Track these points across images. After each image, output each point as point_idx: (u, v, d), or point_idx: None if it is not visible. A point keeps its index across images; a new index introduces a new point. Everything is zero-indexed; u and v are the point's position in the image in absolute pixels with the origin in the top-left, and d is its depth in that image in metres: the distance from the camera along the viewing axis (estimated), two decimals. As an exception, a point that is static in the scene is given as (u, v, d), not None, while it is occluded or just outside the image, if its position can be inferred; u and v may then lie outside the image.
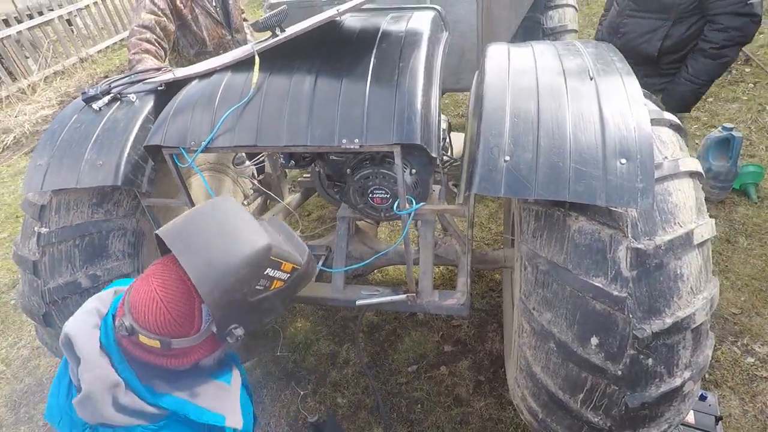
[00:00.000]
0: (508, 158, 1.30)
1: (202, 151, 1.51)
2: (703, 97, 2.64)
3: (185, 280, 1.00)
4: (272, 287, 1.05)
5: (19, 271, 1.92)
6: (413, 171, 1.57)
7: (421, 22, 1.66)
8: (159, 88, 1.92)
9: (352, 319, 2.91)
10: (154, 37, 2.74)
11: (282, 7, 1.66)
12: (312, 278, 1.23)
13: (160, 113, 1.83)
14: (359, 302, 1.75)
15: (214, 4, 3.03)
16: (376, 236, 2.36)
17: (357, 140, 1.38)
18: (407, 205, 1.48)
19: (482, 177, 1.30)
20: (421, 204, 1.51)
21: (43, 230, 1.82)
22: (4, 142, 6.07)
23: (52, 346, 1.99)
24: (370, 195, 1.60)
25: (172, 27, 2.84)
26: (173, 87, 1.93)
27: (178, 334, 1.01)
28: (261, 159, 2.44)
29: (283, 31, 1.66)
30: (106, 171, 1.69)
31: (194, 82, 1.73)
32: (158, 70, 2.13)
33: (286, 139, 1.44)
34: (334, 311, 2.98)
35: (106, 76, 7.91)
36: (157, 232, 1.06)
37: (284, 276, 1.07)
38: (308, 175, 2.69)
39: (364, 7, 1.68)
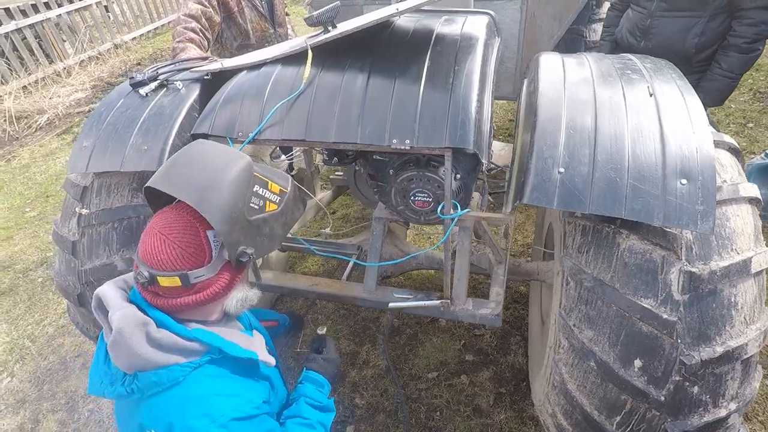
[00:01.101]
0: (562, 170, 1.27)
1: (248, 143, 1.51)
2: (743, 122, 2.62)
3: (183, 215, 1.08)
4: (267, 209, 1.16)
5: (57, 250, 1.95)
6: (458, 176, 1.56)
7: (476, 26, 1.65)
8: (206, 77, 1.93)
9: (373, 321, 2.90)
10: (199, 27, 2.77)
11: (335, 3, 1.65)
12: (302, 211, 1.31)
13: (208, 102, 1.85)
14: (392, 305, 1.74)
15: None
16: (405, 239, 2.35)
17: (408, 141, 1.37)
18: (452, 210, 1.47)
19: (534, 187, 1.28)
20: (466, 210, 1.49)
21: (84, 211, 1.84)
22: (38, 123, 6.20)
23: (84, 326, 2.01)
24: (412, 197, 1.59)
25: (217, 18, 2.87)
26: (220, 77, 1.95)
27: (193, 265, 1.07)
28: (296, 154, 2.45)
29: (334, 26, 1.66)
30: (150, 156, 1.70)
31: (243, 73, 1.73)
32: (204, 59, 2.14)
33: (335, 136, 1.43)
34: (356, 311, 2.97)
35: (139, 64, 8.04)
36: (147, 185, 1.13)
37: (275, 198, 1.18)
38: (341, 173, 2.69)
39: (417, 8, 1.66)
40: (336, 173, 2.66)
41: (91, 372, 1.19)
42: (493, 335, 2.74)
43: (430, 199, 1.57)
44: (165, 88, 1.92)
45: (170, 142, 1.72)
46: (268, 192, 1.17)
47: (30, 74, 7.01)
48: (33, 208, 4.50)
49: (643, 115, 1.33)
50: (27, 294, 3.42)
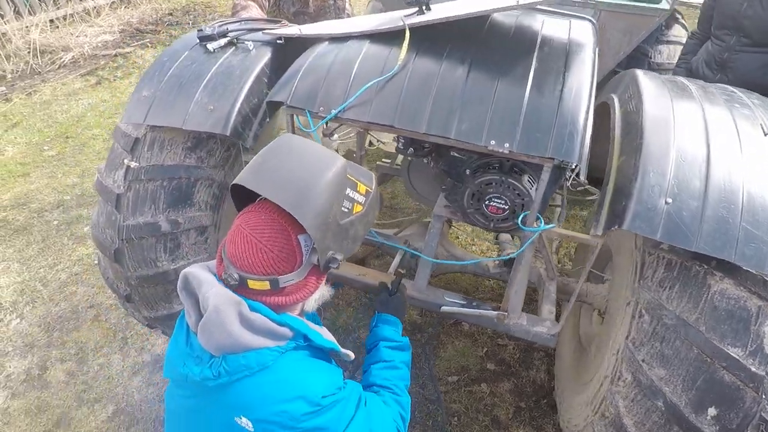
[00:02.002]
0: (669, 201, 1.19)
1: (329, 120, 1.43)
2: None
3: (275, 218, 1.04)
4: (354, 211, 1.12)
5: (99, 200, 1.86)
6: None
7: (584, 33, 1.56)
8: (278, 41, 1.83)
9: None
10: None
11: None
12: (378, 209, 1.28)
13: (279, 68, 1.75)
14: (444, 308, 1.67)
15: None
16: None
17: (507, 145, 1.30)
18: (536, 223, 1.39)
19: (637, 215, 1.20)
20: (551, 225, 1.42)
21: (133, 164, 1.76)
22: (62, 60, 6.04)
23: (115, 283, 1.94)
24: (487, 202, 1.51)
25: None
26: (293, 43, 1.85)
27: (284, 271, 1.04)
28: (351, 135, 2.36)
29: (428, 8, 1.57)
30: (216, 118, 1.61)
31: (325, 44, 1.64)
32: (274, 22, 2.04)
33: (428, 127, 1.35)
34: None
35: (170, 14, 7.84)
36: (235, 181, 1.09)
37: (361, 199, 1.13)
38: (387, 161, 2.60)
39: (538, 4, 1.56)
40: (382, 160, 2.57)
41: (170, 353, 1.14)
42: (516, 347, 2.68)
43: (506, 207, 1.49)
44: (234, 47, 1.83)
45: (238, 105, 1.64)
46: (356, 193, 1.13)
47: (59, 8, 6.81)
48: (52, 147, 4.39)
49: (758, 155, 1.25)
50: (41, 235, 3.34)
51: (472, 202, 1.55)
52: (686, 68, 2.82)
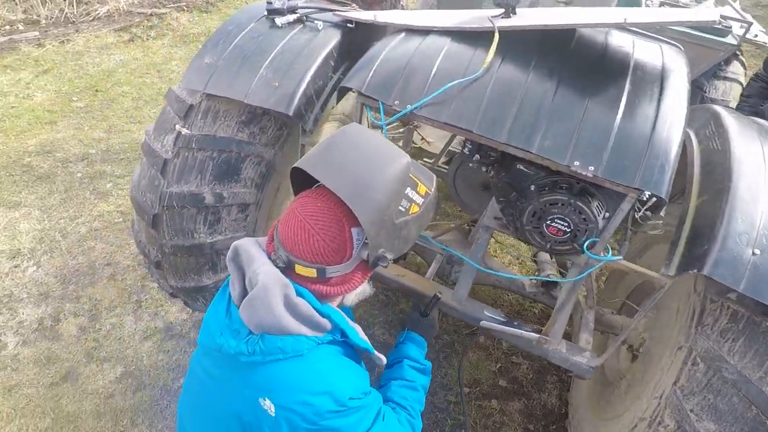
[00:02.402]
0: (758, 252, 1.14)
1: (403, 116, 1.37)
2: None
3: (332, 207, 1.02)
4: (411, 211, 1.08)
5: (143, 162, 1.81)
6: (607, 214, 1.42)
7: (677, 60, 1.50)
8: (348, 25, 1.77)
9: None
10: None
11: None
12: (433, 213, 1.23)
13: (347, 53, 1.70)
14: (484, 324, 1.62)
15: None
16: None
17: (592, 168, 1.24)
18: (603, 252, 1.34)
19: (719, 262, 1.15)
20: (619, 257, 1.36)
21: (185, 131, 1.70)
22: (97, 12, 5.97)
23: (146, 247, 1.89)
24: (548, 221, 1.45)
25: None
26: (362, 29, 1.79)
27: (332, 261, 1.03)
28: (400, 131, 2.30)
29: (514, 12, 1.51)
30: (280, 96, 1.56)
31: (402, 36, 1.58)
32: (343, 3, 1.98)
33: (508, 137, 1.29)
34: (396, 300, 2.87)
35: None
36: (297, 165, 1.07)
37: (420, 200, 1.09)
38: (430, 161, 2.54)
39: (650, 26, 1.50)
40: (424, 160, 2.51)
41: (208, 320, 1.12)
42: (530, 367, 2.64)
43: (568, 230, 1.43)
44: (302, 25, 1.77)
45: (303, 86, 1.58)
46: (415, 194, 1.10)
47: (101, -42, 6.73)
48: (80, 98, 4.34)
49: None
50: (64, 186, 3.30)
51: (531, 220, 1.49)
52: (751, 111, 2.74)
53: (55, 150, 3.63)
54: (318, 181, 1.07)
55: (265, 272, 1.01)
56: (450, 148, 2.42)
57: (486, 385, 2.51)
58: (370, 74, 1.44)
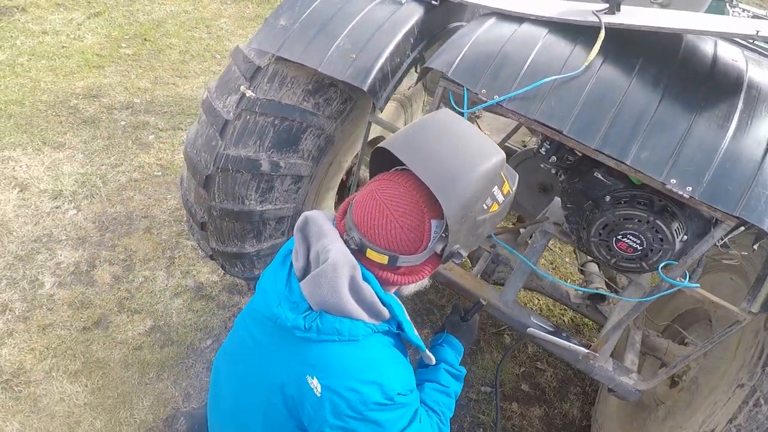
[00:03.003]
0: None
1: (488, 106, 1.30)
2: None
3: (414, 195, 0.98)
4: (491, 209, 1.04)
5: (201, 120, 1.78)
6: (685, 237, 1.35)
7: None
8: (433, 1, 1.69)
9: (440, 308, 2.76)
10: None
11: None
12: (507, 213, 1.19)
13: (429, 30, 1.63)
14: (531, 331, 1.58)
15: None
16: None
17: (690, 189, 1.15)
18: (680, 278, 1.27)
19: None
20: (696, 285, 1.29)
21: (250, 94, 1.66)
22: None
23: (194, 207, 1.87)
24: (620, 236, 1.38)
25: None
26: (445, 7, 1.71)
27: (407, 251, 0.99)
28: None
29: (619, 9, 1.41)
30: (357, 69, 1.50)
31: (493, 20, 1.49)
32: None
33: (601, 144, 1.21)
34: (424, 290, 2.83)
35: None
36: (382, 145, 1.03)
37: (501, 199, 1.05)
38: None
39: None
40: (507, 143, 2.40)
41: (265, 286, 1.10)
42: (554, 375, 2.60)
43: (641, 248, 1.37)
44: None
45: (381, 61, 1.52)
46: (500, 192, 1.05)
47: None
48: (129, 45, 4.32)
49: None
50: (107, 132, 3.31)
51: (601, 232, 1.42)
52: None
53: (101, 95, 3.64)
54: (398, 166, 1.03)
55: (336, 249, 0.98)
56: (507, 144, 2.34)
57: (508, 387, 2.48)
58: (459, 57, 1.36)
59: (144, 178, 3.04)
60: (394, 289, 1.12)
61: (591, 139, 1.22)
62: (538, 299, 2.92)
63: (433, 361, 1.19)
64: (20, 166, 2.90)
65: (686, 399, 1.67)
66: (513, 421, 2.35)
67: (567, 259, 3.19)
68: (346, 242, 1.01)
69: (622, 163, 1.20)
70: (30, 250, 2.47)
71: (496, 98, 1.28)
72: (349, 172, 2.19)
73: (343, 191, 2.26)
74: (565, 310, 2.87)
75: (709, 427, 1.39)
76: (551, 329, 1.59)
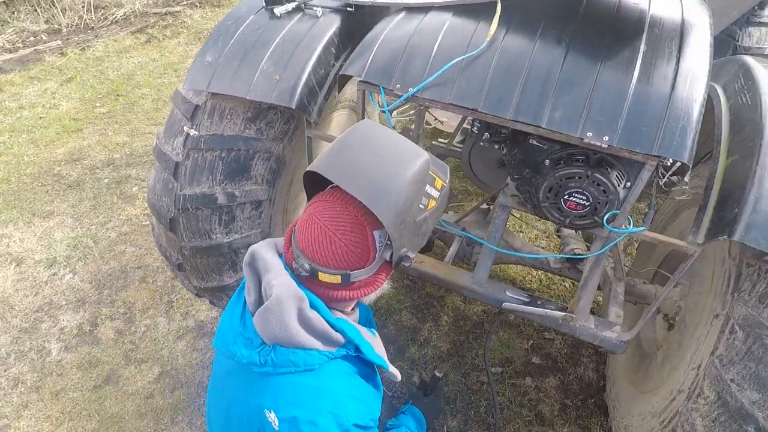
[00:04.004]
0: (795, 214, 1.05)
1: (405, 99, 1.32)
2: None
3: (351, 211, 0.99)
4: (429, 206, 1.05)
5: (156, 166, 1.83)
6: (627, 184, 1.34)
7: (698, 13, 1.38)
8: (348, 8, 1.72)
9: (438, 299, 2.77)
10: None
11: None
12: (447, 203, 1.20)
13: (348, 38, 1.65)
14: (507, 305, 1.58)
15: None
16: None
17: (606, 138, 1.16)
18: (625, 225, 1.27)
19: (752, 226, 1.07)
20: (641, 228, 1.29)
21: (193, 132, 1.70)
22: (114, 16, 6.06)
23: (168, 251, 1.92)
24: (566, 197, 1.39)
25: None
26: (362, 12, 1.73)
27: (357, 266, 1.00)
28: (410, 111, 2.25)
29: None
30: (282, 89, 1.53)
31: (401, 15, 1.51)
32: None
33: (515, 113, 1.23)
34: (420, 285, 2.84)
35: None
36: (309, 168, 1.03)
37: (436, 194, 1.07)
38: (443, 141, 2.48)
39: None
40: (438, 140, 2.44)
41: (222, 325, 1.11)
42: (563, 342, 2.58)
43: (588, 203, 1.37)
44: (301, 13, 1.72)
45: (305, 77, 1.55)
46: (433, 189, 1.06)
47: (112, -37, 6.80)
48: (103, 104, 4.43)
49: None
50: (93, 192, 3.40)
51: (548, 196, 1.43)
52: None
53: (82, 157, 3.74)
54: (331, 183, 1.04)
55: (279, 284, 0.99)
56: (464, 126, 2.35)
57: (519, 363, 2.48)
58: (369, 59, 1.39)
59: (133, 230, 3.11)
60: (352, 305, 1.13)
61: (505, 110, 1.24)
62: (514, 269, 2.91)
63: (398, 378, 1.17)
64: (14, 242, 3.00)
65: (678, 340, 1.66)
66: (529, 396, 2.35)
67: (536, 222, 3.15)
68: (296, 270, 1.01)
69: (538, 127, 1.21)
70: (33, 320, 2.55)
71: (410, 90, 1.30)
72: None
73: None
74: (561, 277, 2.85)
75: (696, 363, 1.38)
76: (526, 299, 1.59)
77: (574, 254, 1.82)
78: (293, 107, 1.51)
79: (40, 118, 4.19)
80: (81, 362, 2.38)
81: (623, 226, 1.30)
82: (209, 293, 2.02)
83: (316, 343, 1.00)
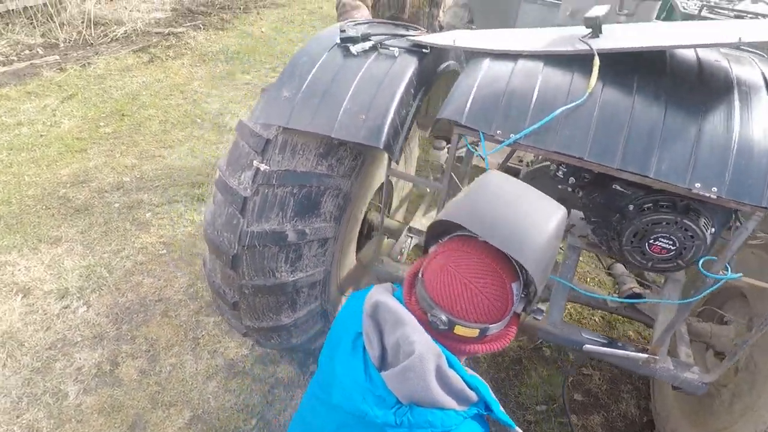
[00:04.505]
0: None
1: (507, 145, 1.32)
2: None
3: (490, 262, 0.97)
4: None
5: (217, 200, 1.73)
6: (713, 229, 1.38)
7: None
8: (423, 50, 1.70)
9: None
10: None
11: (607, 6, 1.47)
12: None
13: (425, 78, 1.69)
14: (587, 347, 1.57)
15: None
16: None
17: (715, 189, 1.21)
18: (722, 271, 1.29)
19: None
20: (739, 275, 1.31)
21: (264, 167, 1.62)
22: (115, 34, 5.93)
23: (221, 288, 1.81)
24: (651, 241, 1.42)
25: None
26: (436, 53, 1.74)
27: (495, 319, 0.99)
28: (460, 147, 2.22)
29: (600, 32, 1.45)
30: (369, 129, 1.48)
31: (490, 61, 1.52)
32: (411, 27, 1.91)
33: (622, 163, 1.27)
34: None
35: (219, -3, 7.71)
36: (445, 218, 1.03)
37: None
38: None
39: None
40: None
41: (342, 378, 1.04)
42: (602, 378, 2.55)
43: (674, 248, 1.40)
44: (376, 52, 1.69)
45: (390, 117, 1.51)
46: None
47: (113, -20, 6.70)
48: (108, 124, 4.27)
49: None
50: (103, 218, 3.22)
51: (632, 240, 1.46)
52: None
53: (89, 179, 3.56)
54: (456, 232, 1.03)
55: (420, 340, 0.95)
56: (508, 164, 2.35)
57: (562, 401, 2.42)
58: (468, 104, 1.40)
59: (149, 260, 2.95)
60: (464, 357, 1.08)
61: (611, 160, 1.28)
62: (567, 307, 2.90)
63: None
64: (19, 270, 2.80)
65: (748, 380, 1.70)
66: (577, 439, 2.29)
67: (584, 260, 3.18)
68: (432, 323, 0.98)
69: (646, 176, 1.26)
70: (46, 359, 2.36)
71: (513, 137, 1.33)
72: (364, 221, 2.16)
73: (361, 240, 2.22)
74: (593, 310, 2.85)
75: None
76: (605, 341, 1.60)
77: (655, 297, 1.81)
78: (381, 147, 1.47)
79: (41, 136, 4.00)
80: (102, 406, 2.19)
81: (720, 273, 1.34)
82: (260, 333, 1.90)
83: (452, 403, 0.96)
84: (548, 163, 1.64)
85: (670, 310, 1.68)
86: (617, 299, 1.79)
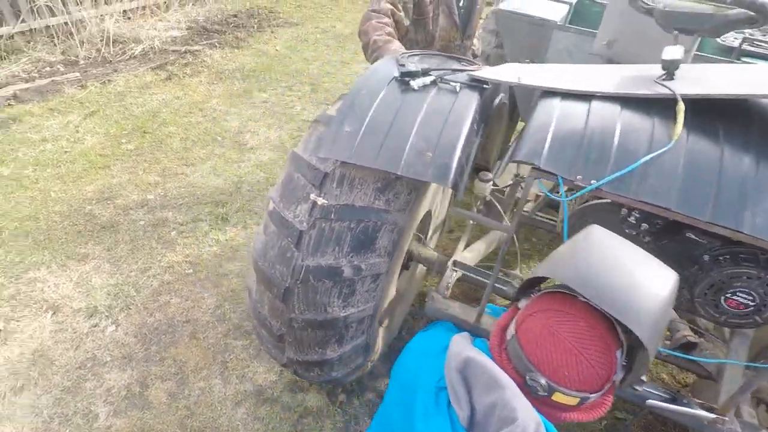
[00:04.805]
0: None
1: (588, 191, 1.31)
2: None
3: (598, 327, 0.94)
4: None
5: (270, 231, 1.74)
6: None
7: None
8: (485, 86, 1.73)
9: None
10: (391, 22, 2.65)
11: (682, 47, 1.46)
12: None
13: (486, 113, 1.66)
14: (650, 403, 1.53)
15: (460, 4, 2.88)
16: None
17: None
18: None
19: None
20: None
21: (322, 201, 1.64)
22: (133, 51, 5.99)
23: (268, 320, 1.81)
24: (727, 295, 1.38)
25: (405, 23, 2.78)
26: (495, 88, 1.75)
27: (597, 388, 0.95)
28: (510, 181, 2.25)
29: (674, 73, 1.46)
30: (437, 167, 1.50)
31: (558, 101, 1.52)
32: (468, 61, 1.94)
33: (713, 216, 1.22)
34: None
35: (235, 16, 7.83)
36: (549, 275, 1.00)
37: None
38: (542, 214, 2.45)
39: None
40: (537, 213, 2.41)
41: None
42: (636, 425, 2.54)
43: (753, 303, 1.37)
44: (436, 87, 1.72)
45: (457, 155, 1.53)
46: None
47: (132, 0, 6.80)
48: (129, 140, 4.30)
49: None
50: (129, 235, 3.22)
51: (707, 293, 1.42)
52: None
53: (113, 196, 3.57)
54: (540, 284, 1.02)
55: (521, 407, 0.93)
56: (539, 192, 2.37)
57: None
58: (546, 147, 1.38)
59: (176, 279, 2.94)
60: None
61: (701, 212, 1.23)
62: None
63: None
64: (48, 287, 2.78)
65: None
66: (608, 483, 2.27)
67: None
68: (530, 388, 0.95)
69: (739, 232, 1.21)
70: (76, 378, 2.34)
71: (594, 183, 1.29)
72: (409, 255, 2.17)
73: (402, 272, 2.23)
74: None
75: None
76: (669, 396, 1.55)
77: (700, 345, 1.78)
78: (449, 186, 1.48)
79: (65, 152, 4.02)
80: (132, 429, 2.17)
81: None
82: (302, 366, 1.89)
83: None
84: (605, 200, 1.61)
85: (738, 371, 1.64)
86: (675, 353, 1.72)
